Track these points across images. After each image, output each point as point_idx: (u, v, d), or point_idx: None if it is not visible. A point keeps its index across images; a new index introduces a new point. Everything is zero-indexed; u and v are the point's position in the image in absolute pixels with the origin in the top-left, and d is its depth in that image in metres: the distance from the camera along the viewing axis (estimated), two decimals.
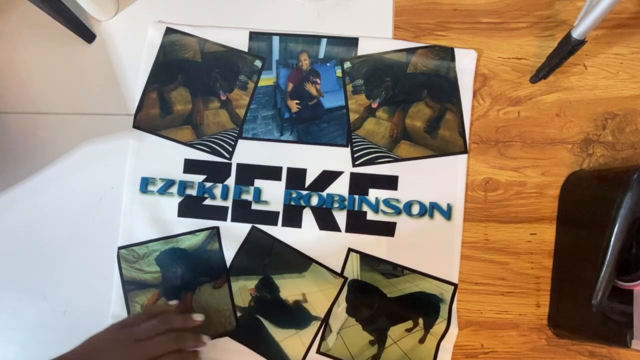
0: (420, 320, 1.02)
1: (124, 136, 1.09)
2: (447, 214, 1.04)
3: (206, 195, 1.06)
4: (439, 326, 1.02)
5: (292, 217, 1.05)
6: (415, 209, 1.05)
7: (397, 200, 1.05)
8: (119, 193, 1.08)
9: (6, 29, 1.14)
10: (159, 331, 0.88)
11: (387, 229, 1.04)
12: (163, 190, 1.06)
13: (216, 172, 1.07)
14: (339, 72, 1.09)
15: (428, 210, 1.04)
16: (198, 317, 0.94)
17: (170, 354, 0.87)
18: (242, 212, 1.06)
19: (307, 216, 1.05)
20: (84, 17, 1.11)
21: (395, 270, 1.03)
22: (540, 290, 1.03)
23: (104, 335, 0.87)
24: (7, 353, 1.06)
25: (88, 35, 1.12)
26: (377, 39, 1.10)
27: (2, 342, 1.06)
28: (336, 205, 1.05)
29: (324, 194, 1.05)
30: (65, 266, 1.07)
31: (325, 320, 1.02)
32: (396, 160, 1.06)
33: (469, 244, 1.05)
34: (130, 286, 1.05)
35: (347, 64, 1.09)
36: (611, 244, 0.86)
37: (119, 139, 1.09)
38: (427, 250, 1.04)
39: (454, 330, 1.02)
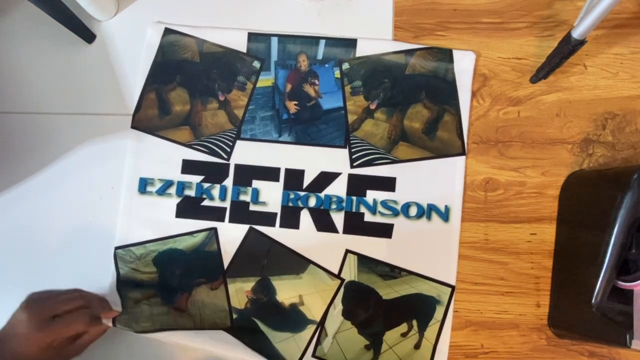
0: (414, 322, 1.02)
1: (123, 136, 1.09)
2: (445, 215, 1.04)
3: (204, 196, 1.06)
4: (432, 328, 1.02)
5: (290, 218, 1.05)
6: (413, 211, 1.04)
7: (395, 202, 1.05)
8: (119, 193, 1.08)
9: (6, 29, 1.14)
10: (71, 306, 0.94)
11: (384, 231, 1.04)
12: (162, 191, 1.07)
13: (214, 173, 1.07)
14: (337, 73, 1.09)
15: (426, 212, 1.04)
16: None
17: (76, 309, 0.94)
18: (240, 213, 1.06)
19: (305, 217, 1.05)
20: (84, 17, 1.10)
21: (392, 271, 1.03)
22: (540, 290, 1.03)
23: (18, 316, 0.92)
24: None
25: (88, 35, 1.12)
26: (376, 40, 1.09)
27: None
28: (334, 206, 1.05)
29: (322, 195, 1.05)
30: (65, 266, 1.07)
31: (321, 324, 1.02)
32: (394, 161, 1.05)
33: (469, 244, 1.05)
34: (126, 286, 1.05)
35: (345, 65, 1.08)
36: (611, 244, 0.86)
37: (119, 139, 1.09)
38: (425, 252, 1.04)
39: (447, 331, 1.02)
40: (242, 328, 1.03)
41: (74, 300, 0.94)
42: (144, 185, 1.07)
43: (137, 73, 1.11)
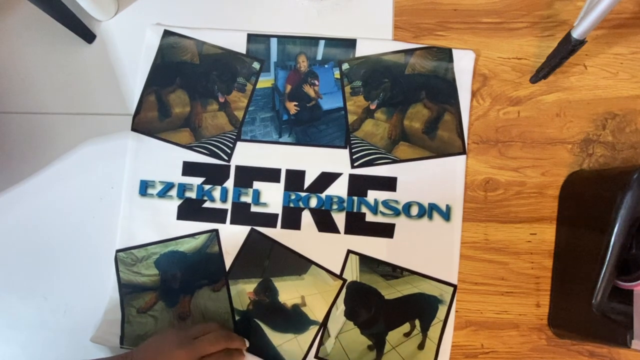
0: (417, 322, 1.02)
1: (123, 136, 1.09)
2: (446, 215, 1.04)
3: (205, 198, 1.06)
4: (434, 327, 1.02)
5: (291, 219, 1.05)
6: (414, 210, 1.04)
7: (396, 202, 1.05)
8: (119, 193, 1.08)
9: (6, 29, 1.14)
10: (209, 330, 0.94)
11: (386, 231, 1.04)
12: (163, 194, 1.07)
13: (215, 175, 1.07)
14: (337, 74, 1.09)
15: (427, 211, 1.04)
16: None
17: (220, 352, 0.92)
18: (241, 214, 1.06)
19: (306, 218, 1.05)
20: (84, 17, 1.10)
21: (394, 271, 1.03)
22: (540, 290, 1.03)
23: (163, 336, 0.92)
24: (7, 353, 1.06)
25: (88, 35, 1.12)
26: (375, 40, 1.09)
27: (2, 342, 1.06)
28: (335, 206, 1.05)
29: (323, 195, 1.05)
30: (65, 266, 1.07)
31: (324, 325, 1.03)
32: (395, 161, 1.05)
33: (469, 243, 1.05)
34: (127, 289, 1.06)
35: (345, 66, 1.08)
36: (611, 244, 0.85)
37: (119, 139, 1.09)
38: (426, 251, 1.04)
39: (449, 331, 1.03)
40: (245, 333, 1.02)
41: (219, 341, 0.93)
42: (144, 187, 1.07)
43: (137, 75, 1.11)
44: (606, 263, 0.86)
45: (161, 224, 1.06)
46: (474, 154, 1.06)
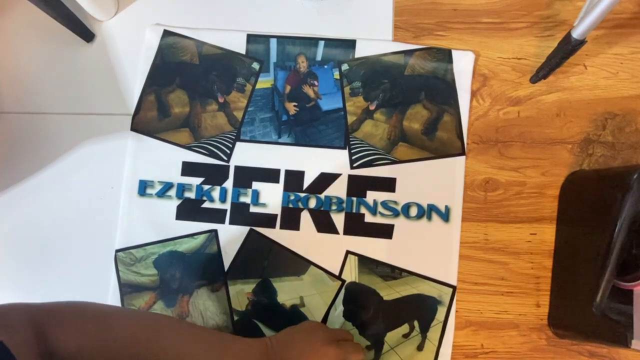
0: (416, 323, 1.02)
1: (123, 136, 1.09)
2: (445, 215, 1.04)
3: (204, 198, 1.06)
4: (434, 329, 1.02)
5: (290, 220, 1.05)
6: (413, 211, 1.04)
7: (395, 203, 1.04)
8: (119, 193, 1.08)
9: (6, 29, 1.14)
10: (348, 337, 0.93)
11: (385, 231, 1.04)
12: (162, 193, 1.07)
13: (214, 175, 1.07)
14: (336, 75, 1.08)
15: (426, 212, 1.04)
16: None
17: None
18: (241, 214, 1.06)
19: (305, 218, 1.05)
20: (84, 17, 1.10)
21: (393, 272, 1.03)
22: (540, 290, 1.03)
23: (308, 329, 0.92)
24: None
25: (88, 35, 1.12)
26: (375, 41, 1.09)
27: None
28: (334, 207, 1.05)
29: (322, 196, 1.05)
30: (65, 266, 1.07)
31: None
32: (394, 162, 1.05)
33: (469, 244, 1.04)
34: (126, 289, 1.05)
35: (344, 66, 1.08)
36: (611, 244, 0.85)
37: (118, 139, 1.09)
38: (425, 252, 1.04)
39: (450, 333, 1.02)
40: (243, 333, 1.01)
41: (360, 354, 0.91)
42: (143, 187, 1.07)
43: (137, 74, 1.11)
44: (606, 263, 0.85)
45: (160, 224, 1.06)
46: (474, 154, 1.06)
